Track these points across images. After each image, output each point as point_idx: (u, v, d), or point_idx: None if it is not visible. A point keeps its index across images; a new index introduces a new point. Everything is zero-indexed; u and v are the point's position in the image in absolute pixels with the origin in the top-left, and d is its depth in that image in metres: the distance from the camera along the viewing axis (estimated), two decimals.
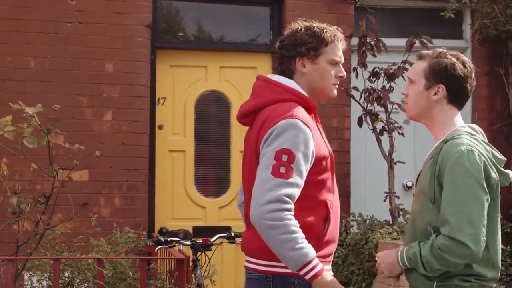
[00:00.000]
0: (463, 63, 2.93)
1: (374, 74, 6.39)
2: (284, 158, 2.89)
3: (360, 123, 6.45)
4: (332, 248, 3.07)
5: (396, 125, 6.39)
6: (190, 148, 6.98)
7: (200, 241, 5.35)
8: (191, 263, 5.19)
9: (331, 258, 3.10)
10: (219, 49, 7.18)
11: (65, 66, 6.59)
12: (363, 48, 6.43)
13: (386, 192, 6.29)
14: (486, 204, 2.77)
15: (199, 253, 5.31)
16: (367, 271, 5.79)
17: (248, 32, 7.29)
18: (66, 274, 4.60)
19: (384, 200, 6.31)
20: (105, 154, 6.50)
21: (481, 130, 3.01)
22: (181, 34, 7.28)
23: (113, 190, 6.58)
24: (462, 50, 7.15)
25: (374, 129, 6.43)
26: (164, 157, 6.91)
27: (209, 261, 5.34)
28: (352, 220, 6.61)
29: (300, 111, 3.01)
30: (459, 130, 2.91)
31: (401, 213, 6.19)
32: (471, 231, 2.70)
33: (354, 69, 6.62)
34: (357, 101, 6.52)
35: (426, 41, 6.19)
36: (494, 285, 2.92)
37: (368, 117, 6.44)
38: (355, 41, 6.75)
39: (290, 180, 2.87)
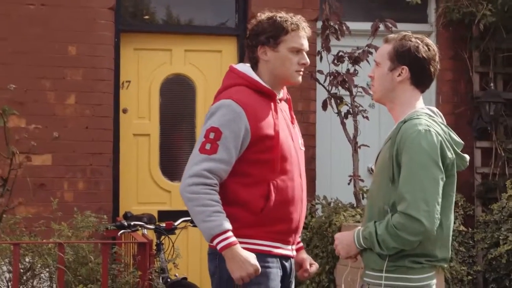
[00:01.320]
0: (427, 45, 2.98)
1: (339, 58, 6.39)
2: (211, 135, 3.09)
3: (324, 106, 6.45)
4: (283, 226, 3.17)
5: (360, 108, 6.40)
6: (155, 132, 6.94)
7: (164, 225, 5.34)
8: (154, 247, 5.18)
9: (287, 237, 3.20)
10: (184, 32, 7.13)
11: (28, 48, 6.51)
12: (327, 32, 6.42)
13: (350, 176, 6.31)
14: (441, 183, 2.82)
15: (162, 237, 5.30)
16: (330, 254, 5.82)
17: (214, 16, 7.25)
18: (27, 259, 4.57)
19: (349, 183, 6.34)
20: (68, 138, 6.44)
21: (440, 113, 3.05)
22: (147, 17, 7.22)
23: (76, 174, 6.52)
24: (427, 34, 7.17)
25: (338, 113, 6.43)
26: (128, 141, 6.87)
27: (173, 245, 5.33)
28: (317, 203, 6.64)
29: (241, 93, 3.18)
30: (418, 111, 2.95)
31: (365, 196, 6.22)
32: (425, 208, 2.76)
33: (319, 52, 6.61)
34: (322, 84, 6.52)
35: (390, 25, 6.19)
36: (446, 265, 2.97)
37: (333, 101, 6.44)
38: (320, 24, 6.74)
39: (214, 155, 3.07)
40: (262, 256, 3.11)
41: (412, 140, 2.81)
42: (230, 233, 3.02)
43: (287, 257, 3.23)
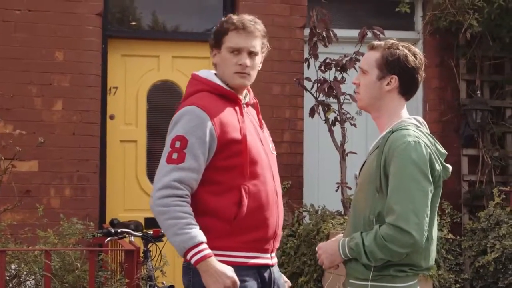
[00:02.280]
0: (414, 54, 2.95)
1: (326, 65, 6.40)
2: (177, 144, 2.95)
3: (312, 113, 6.45)
4: (259, 234, 3.03)
5: (348, 115, 6.41)
6: (142, 139, 6.92)
7: (151, 232, 5.31)
8: (141, 255, 5.15)
9: (264, 245, 3.06)
10: (171, 39, 7.12)
11: (14, 54, 6.47)
12: (314, 39, 6.43)
13: (338, 183, 6.31)
14: (430, 195, 2.81)
15: (150, 244, 5.27)
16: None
17: (201, 22, 7.24)
18: (13, 267, 4.53)
19: (336, 191, 6.33)
20: (55, 144, 6.41)
21: (425, 122, 3.04)
22: (134, 23, 7.20)
23: (63, 180, 6.48)
24: (413, 41, 7.21)
25: (326, 120, 6.44)
26: (115, 148, 6.84)
27: (160, 253, 5.31)
28: (304, 211, 6.63)
29: (204, 98, 3.05)
30: (405, 122, 2.93)
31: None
32: (415, 220, 2.73)
33: (306, 59, 6.62)
34: (309, 91, 6.52)
35: (378, 32, 6.21)
36: (429, 273, 2.97)
37: (320, 108, 6.44)
38: (308, 31, 6.74)
39: (182, 165, 2.94)
40: (237, 268, 2.94)
41: (401, 151, 2.79)
42: (204, 246, 2.89)
43: (265, 266, 3.08)
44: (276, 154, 3.27)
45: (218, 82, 3.12)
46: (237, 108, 3.11)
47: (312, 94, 6.50)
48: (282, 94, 6.98)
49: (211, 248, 2.92)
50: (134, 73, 6.94)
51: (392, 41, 2.99)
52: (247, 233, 3.01)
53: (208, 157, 2.99)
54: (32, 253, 4.48)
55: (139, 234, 5.30)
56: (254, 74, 3.16)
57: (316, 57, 6.47)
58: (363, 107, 3.02)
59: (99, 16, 6.68)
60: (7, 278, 4.40)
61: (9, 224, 4.95)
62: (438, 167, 2.85)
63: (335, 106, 6.44)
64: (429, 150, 2.83)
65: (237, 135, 3.02)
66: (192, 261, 2.88)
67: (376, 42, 3.01)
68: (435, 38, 7.30)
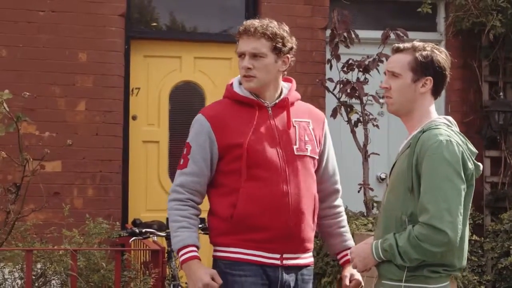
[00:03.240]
0: (445, 54, 2.98)
1: (348, 66, 6.39)
2: (184, 151, 3.23)
3: (334, 114, 6.44)
4: (263, 235, 3.13)
5: (371, 117, 6.40)
6: (164, 139, 6.94)
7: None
8: (165, 255, 5.16)
9: (270, 245, 3.15)
10: (194, 39, 7.14)
11: (38, 55, 6.51)
12: (336, 40, 6.43)
13: (360, 184, 6.30)
14: (463, 193, 2.81)
15: None
16: None
17: (223, 23, 7.26)
18: (39, 266, 4.55)
19: (358, 192, 6.33)
20: (78, 144, 6.44)
21: (455, 122, 3.04)
22: (156, 24, 7.23)
23: (86, 181, 6.52)
24: (436, 42, 7.12)
25: (349, 121, 6.43)
26: (138, 148, 6.86)
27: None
28: None
29: (216, 105, 3.29)
30: (436, 121, 2.94)
31: (375, 205, 6.21)
32: (449, 218, 2.73)
33: (328, 60, 6.61)
34: (331, 92, 6.52)
35: (402, 34, 6.20)
36: (460, 274, 2.97)
37: (342, 109, 6.44)
38: (329, 32, 6.74)
39: (185, 170, 3.19)
40: (237, 264, 3.13)
41: (434, 150, 2.79)
42: (189, 249, 3.10)
43: (272, 266, 3.17)
44: (306, 154, 3.26)
45: (236, 88, 3.27)
46: (254, 112, 3.20)
47: (335, 95, 6.50)
48: (304, 95, 6.91)
49: (215, 243, 3.19)
50: (156, 74, 6.97)
51: (417, 42, 2.99)
52: (248, 233, 3.13)
53: (212, 161, 3.19)
54: (58, 252, 4.51)
55: (163, 234, 5.32)
56: (262, 75, 3.21)
57: (338, 58, 6.46)
58: (395, 111, 3.01)
59: (122, 17, 6.71)
60: (33, 277, 4.42)
61: (34, 223, 4.97)
62: (470, 165, 2.85)
63: (357, 107, 6.43)
64: (461, 149, 2.83)
65: (238, 140, 3.15)
66: (180, 261, 3.14)
67: (402, 45, 3.01)
68: (457, 40, 7.27)
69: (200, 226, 5.21)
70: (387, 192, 3.00)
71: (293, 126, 3.26)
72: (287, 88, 3.33)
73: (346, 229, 3.44)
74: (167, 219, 3.34)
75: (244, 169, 3.13)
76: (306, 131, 3.28)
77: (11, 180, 5.50)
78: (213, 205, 3.23)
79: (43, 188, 5.17)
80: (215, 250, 3.25)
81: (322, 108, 7.03)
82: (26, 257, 4.21)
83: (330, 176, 3.41)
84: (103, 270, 4.47)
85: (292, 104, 3.31)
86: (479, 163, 2.95)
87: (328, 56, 6.75)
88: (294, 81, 3.41)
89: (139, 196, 6.84)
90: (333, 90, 6.51)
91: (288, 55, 3.26)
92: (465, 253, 2.92)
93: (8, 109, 4.06)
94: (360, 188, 6.31)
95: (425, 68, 2.93)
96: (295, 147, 3.23)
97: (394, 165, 3.00)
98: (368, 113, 6.40)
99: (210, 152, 3.17)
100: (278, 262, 3.17)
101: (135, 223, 5.74)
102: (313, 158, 3.28)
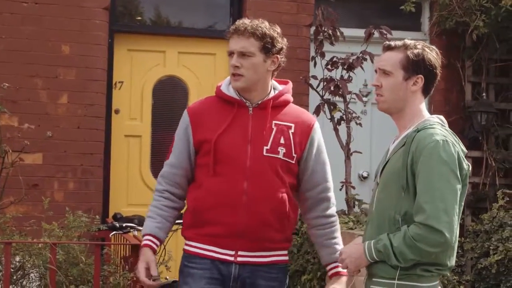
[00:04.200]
0: (436, 53, 2.97)
1: (333, 64, 6.39)
2: (171, 143, 3.34)
3: (317, 112, 6.43)
4: (217, 230, 3.18)
5: (354, 115, 6.40)
6: (146, 134, 6.92)
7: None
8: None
9: (224, 241, 3.19)
10: (178, 34, 7.11)
11: (21, 47, 6.47)
12: (320, 37, 6.42)
13: (342, 182, 6.30)
14: (459, 193, 2.81)
15: None
16: None
17: (208, 18, 7.24)
18: (17, 259, 4.52)
19: (340, 190, 6.33)
20: (60, 137, 6.40)
21: (446, 121, 3.02)
22: (140, 18, 7.20)
23: (67, 174, 6.48)
24: None
25: (332, 119, 6.43)
26: (120, 142, 6.84)
27: (165, 248, 5.29)
28: None
29: (201, 102, 3.37)
30: (430, 121, 2.92)
31: (356, 203, 6.21)
32: (446, 219, 2.72)
33: (313, 58, 6.61)
34: (315, 89, 6.51)
35: (385, 32, 6.20)
36: (448, 274, 2.96)
37: (326, 106, 6.43)
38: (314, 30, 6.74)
39: (167, 161, 3.32)
40: (192, 257, 3.22)
41: (430, 150, 2.78)
42: (145, 237, 3.26)
43: (225, 262, 3.19)
44: (277, 156, 3.21)
45: (223, 87, 3.31)
46: (234, 111, 3.23)
47: (318, 93, 6.49)
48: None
49: (184, 236, 3.30)
50: (140, 68, 6.94)
51: (408, 40, 2.97)
52: (203, 227, 3.21)
53: (190, 155, 3.28)
54: (37, 245, 4.48)
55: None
56: (249, 74, 3.21)
57: (322, 55, 6.45)
58: (386, 109, 2.99)
59: (106, 10, 6.68)
60: (12, 270, 4.39)
61: (14, 216, 4.93)
62: (465, 165, 2.85)
63: (340, 105, 6.43)
64: (457, 149, 2.83)
65: (209, 136, 3.21)
66: None
67: (393, 42, 2.99)
68: (441, 39, 7.29)
69: (180, 221, 5.25)
70: (377, 191, 2.97)
71: (271, 128, 3.24)
72: (278, 90, 3.32)
73: (337, 240, 3.36)
74: None
75: (211, 165, 3.19)
76: (284, 134, 3.24)
77: None
78: (188, 198, 3.32)
79: (24, 181, 5.16)
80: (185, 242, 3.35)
81: (305, 105, 7.03)
82: (4, 250, 4.18)
83: (317, 184, 3.32)
84: (82, 264, 4.45)
85: (280, 106, 3.29)
86: (468, 163, 2.94)
87: (312, 53, 6.74)
88: (290, 84, 3.40)
89: (121, 190, 6.81)
90: (317, 87, 6.50)
91: (277, 55, 3.26)
92: (455, 253, 2.90)
93: None
94: (342, 186, 6.30)
95: (416, 66, 2.91)
96: (265, 148, 3.21)
97: (385, 164, 2.97)
98: (351, 111, 6.40)
99: (188, 146, 3.27)
100: (231, 258, 3.20)
101: (116, 217, 5.71)
102: (287, 162, 3.23)
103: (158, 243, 3.27)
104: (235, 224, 3.16)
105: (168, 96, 7.06)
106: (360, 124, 6.42)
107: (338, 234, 3.37)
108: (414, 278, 2.81)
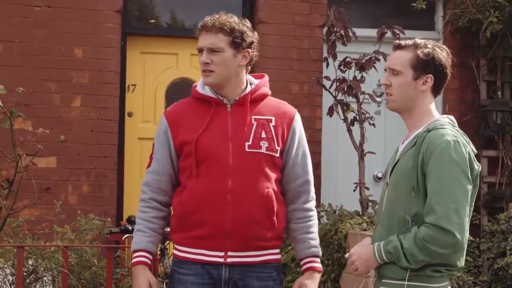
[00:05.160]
0: (446, 53, 2.94)
1: (345, 64, 6.36)
2: (152, 150, 3.26)
3: (331, 113, 6.41)
4: (202, 231, 3.11)
5: (367, 115, 6.36)
6: None
7: (169, 229, 5.28)
8: (158, 252, 5.14)
9: (210, 243, 3.12)
10: (190, 36, 7.03)
11: (34, 50, 6.49)
12: (333, 38, 6.39)
13: (356, 183, 6.27)
14: (470, 194, 2.78)
15: (167, 242, 5.26)
16: (336, 262, 5.77)
17: None
18: (30, 262, 4.53)
19: (354, 191, 6.30)
20: (73, 141, 6.42)
21: (455, 121, 2.98)
22: (152, 21, 7.20)
23: (81, 177, 6.49)
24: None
25: (345, 119, 6.40)
26: (133, 145, 6.84)
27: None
28: (322, 211, 6.59)
29: (178, 104, 3.28)
30: (440, 121, 2.89)
31: (370, 204, 6.18)
32: (457, 220, 2.70)
33: (325, 58, 6.58)
34: (328, 90, 6.49)
35: (398, 32, 6.16)
36: (459, 274, 2.93)
37: (339, 107, 6.40)
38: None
39: (149, 169, 3.24)
40: (182, 262, 3.15)
41: (441, 151, 2.76)
42: (138, 253, 3.17)
43: (215, 264, 3.13)
44: (260, 151, 3.17)
45: (198, 86, 3.25)
46: (212, 110, 3.18)
47: (331, 93, 6.46)
48: (301, 93, 6.94)
49: (172, 240, 3.23)
50: (152, 71, 6.94)
51: (419, 39, 2.94)
52: (190, 230, 3.14)
53: (172, 159, 3.20)
54: (49, 249, 4.48)
55: None
56: (220, 70, 3.17)
57: (335, 56, 6.43)
58: (395, 108, 2.96)
59: (119, 13, 6.69)
60: (25, 273, 4.40)
61: (27, 220, 4.95)
62: (476, 166, 2.83)
63: (354, 106, 6.40)
64: (468, 149, 2.80)
65: (189, 137, 3.15)
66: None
67: (403, 41, 2.96)
68: (455, 38, 7.23)
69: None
70: (387, 192, 2.95)
71: (251, 123, 3.19)
72: (255, 84, 3.28)
73: (313, 235, 3.27)
74: None
75: (194, 166, 3.14)
76: (264, 128, 3.20)
77: (6, 176, 5.48)
78: (173, 202, 3.24)
79: (38, 184, 5.16)
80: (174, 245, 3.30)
81: (318, 106, 7.01)
82: (17, 253, 4.18)
83: (298, 176, 3.26)
84: (95, 267, 4.45)
85: (258, 100, 3.25)
86: (479, 164, 2.91)
87: (325, 54, 6.72)
88: (266, 77, 3.35)
89: (134, 193, 6.78)
90: (330, 88, 6.48)
91: (248, 49, 3.21)
92: (465, 253, 2.88)
93: (2, 104, 4.02)
94: (356, 187, 6.27)
95: (426, 65, 2.88)
96: (247, 144, 3.16)
97: (395, 164, 2.94)
98: (365, 112, 6.36)
99: (169, 150, 3.20)
100: (221, 260, 3.13)
101: (130, 220, 5.71)
102: (270, 156, 3.18)
103: (151, 258, 3.20)
104: (221, 223, 3.09)
105: (181, 98, 6.98)
106: (373, 125, 6.39)
107: (314, 229, 3.28)
108: (424, 278, 2.78)
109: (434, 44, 2.94)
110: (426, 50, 2.89)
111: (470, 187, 2.77)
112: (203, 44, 3.18)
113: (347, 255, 2.97)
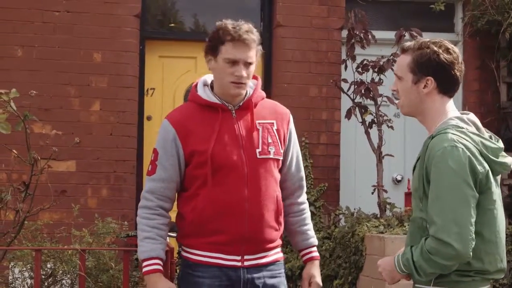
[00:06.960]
0: (447, 50, 2.80)
1: (363, 67, 6.35)
2: (152, 157, 3.21)
3: (349, 115, 6.40)
4: (221, 238, 3.15)
5: (385, 118, 6.34)
6: None
7: (175, 234, 5.29)
8: (176, 255, 5.14)
9: (228, 248, 3.17)
10: None
11: (53, 55, 6.54)
12: (352, 41, 6.39)
13: (374, 186, 6.25)
14: (473, 201, 2.67)
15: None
16: (353, 265, 5.76)
17: None
18: (48, 265, 4.56)
19: (372, 193, 6.28)
20: (92, 145, 6.46)
21: (474, 119, 2.86)
22: (171, 25, 7.23)
23: (100, 181, 6.53)
24: (453, 43, 7.08)
25: (363, 122, 6.38)
26: (152, 149, 6.84)
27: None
28: (340, 213, 6.58)
29: (181, 110, 3.26)
30: (446, 123, 2.77)
31: (388, 206, 6.16)
32: (456, 229, 2.62)
33: (344, 61, 6.57)
34: (346, 93, 6.48)
35: (416, 34, 6.14)
36: (501, 277, 2.84)
37: (357, 110, 6.39)
38: (346, 33, 6.70)
39: (153, 176, 3.18)
40: (197, 265, 3.18)
41: (438, 158, 2.66)
42: (153, 261, 3.14)
43: (232, 268, 3.19)
44: (269, 157, 3.22)
45: (200, 92, 3.22)
46: (219, 116, 3.17)
47: (349, 96, 6.45)
48: (319, 96, 6.94)
49: (182, 243, 3.25)
50: (171, 75, 6.97)
51: (422, 40, 2.85)
52: (208, 236, 3.16)
53: (181, 167, 3.18)
54: (67, 252, 4.51)
55: (174, 234, 5.28)
56: (249, 82, 3.21)
57: (353, 58, 6.42)
58: (406, 113, 2.92)
59: (137, 18, 6.72)
60: (43, 276, 4.43)
61: (46, 223, 4.98)
62: (481, 169, 2.69)
63: (372, 108, 6.38)
64: (467, 154, 2.67)
65: (201, 147, 3.14)
66: (143, 272, 3.16)
67: (406, 44, 2.88)
68: (475, 40, 7.20)
69: (173, 234, 5.24)
70: (411, 198, 2.93)
71: (257, 128, 3.23)
72: (252, 88, 3.29)
73: (309, 226, 3.42)
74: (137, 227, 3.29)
75: (209, 176, 3.13)
76: (269, 132, 3.24)
77: (26, 180, 5.50)
78: (179, 208, 3.26)
79: (56, 188, 5.20)
80: (182, 248, 3.32)
81: (336, 109, 7.00)
82: (35, 257, 4.21)
83: (294, 174, 3.36)
84: (112, 270, 4.47)
85: (256, 104, 3.27)
86: (505, 160, 2.77)
87: (343, 56, 6.71)
88: (259, 79, 3.36)
89: None
90: (347, 90, 6.47)
91: None
92: (500, 255, 2.76)
93: (15, 108, 4.05)
94: (374, 189, 6.26)
95: (423, 68, 2.79)
96: (258, 151, 3.20)
97: (413, 170, 2.88)
98: (383, 114, 6.35)
99: (178, 159, 3.17)
100: (238, 263, 3.20)
101: None
102: (277, 160, 3.25)
103: (162, 265, 3.22)
104: (239, 231, 3.16)
105: None
106: (391, 127, 6.37)
107: (309, 220, 3.43)
108: (451, 284, 2.71)
109: (437, 43, 2.81)
110: (423, 51, 2.78)
111: (472, 193, 2.65)
112: (240, 56, 3.13)
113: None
